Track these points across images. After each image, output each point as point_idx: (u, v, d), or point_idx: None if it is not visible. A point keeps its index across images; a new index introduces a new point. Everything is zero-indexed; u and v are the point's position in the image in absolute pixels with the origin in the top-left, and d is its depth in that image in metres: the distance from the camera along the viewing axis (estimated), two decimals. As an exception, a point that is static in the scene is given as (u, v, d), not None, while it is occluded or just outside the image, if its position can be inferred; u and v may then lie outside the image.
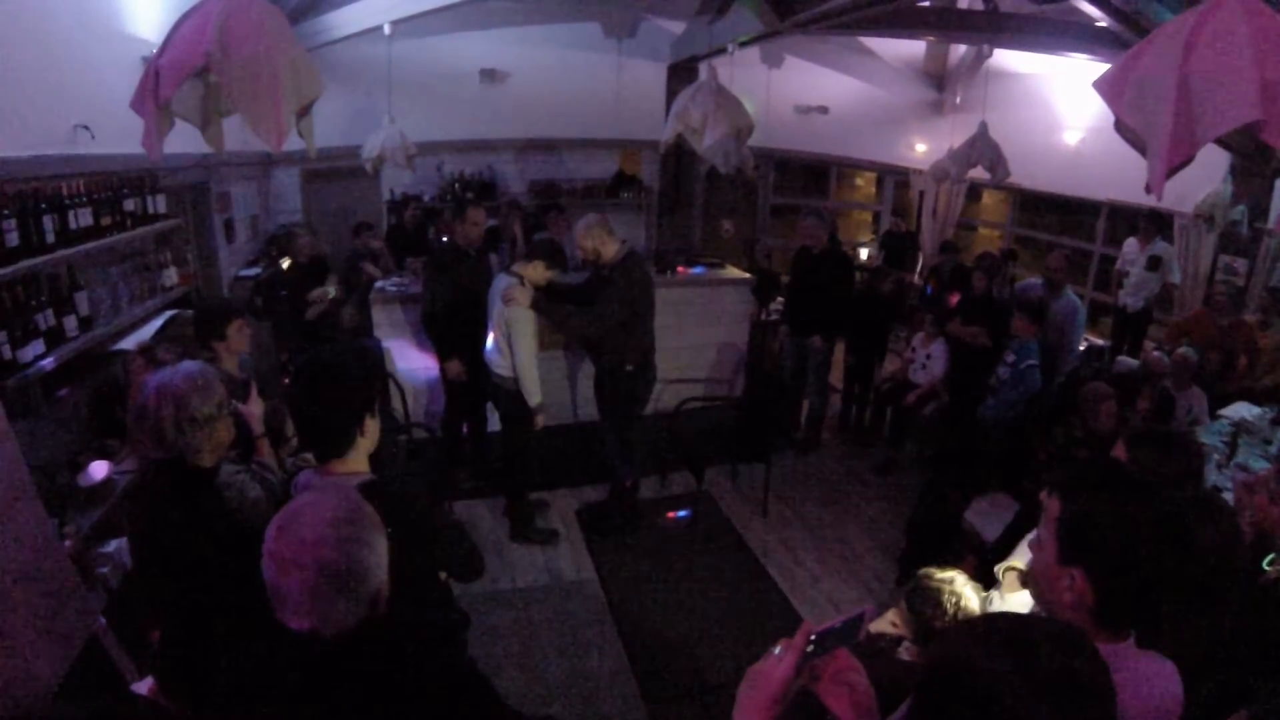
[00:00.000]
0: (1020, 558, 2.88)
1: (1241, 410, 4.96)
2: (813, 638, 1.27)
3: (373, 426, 2.18)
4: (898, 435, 6.50)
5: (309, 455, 2.30)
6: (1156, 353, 5.57)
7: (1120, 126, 2.35)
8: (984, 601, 2.56)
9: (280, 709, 1.55)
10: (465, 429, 5.83)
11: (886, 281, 7.02)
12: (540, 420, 4.82)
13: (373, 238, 7.40)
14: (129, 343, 4.32)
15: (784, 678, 1.24)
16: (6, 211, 3.36)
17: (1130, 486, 1.44)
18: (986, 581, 2.80)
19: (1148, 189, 2.12)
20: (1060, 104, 8.35)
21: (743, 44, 6.95)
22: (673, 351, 6.44)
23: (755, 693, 1.26)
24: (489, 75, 8.92)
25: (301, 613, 1.50)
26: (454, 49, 8.53)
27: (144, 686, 2.30)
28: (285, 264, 6.46)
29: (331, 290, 6.04)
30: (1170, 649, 1.53)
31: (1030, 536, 2.93)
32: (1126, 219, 7.79)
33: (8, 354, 3.25)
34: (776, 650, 1.28)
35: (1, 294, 3.32)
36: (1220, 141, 2.18)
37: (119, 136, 3.97)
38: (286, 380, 3.10)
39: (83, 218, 4.00)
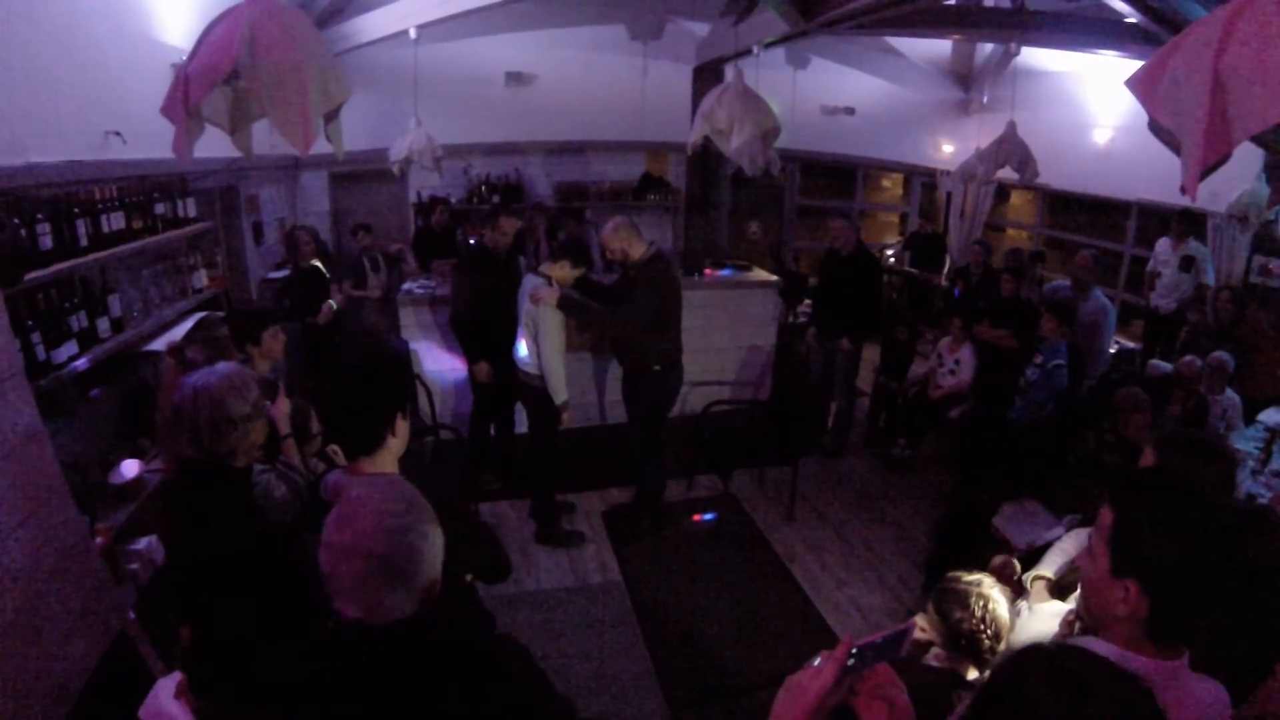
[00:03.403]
0: (1049, 566, 2.85)
1: (1277, 415, 4.87)
2: (853, 651, 1.25)
3: (403, 427, 2.19)
4: (917, 435, 6.44)
5: (336, 447, 2.32)
6: (1189, 357, 5.46)
7: (1154, 125, 2.31)
8: (1013, 610, 2.53)
9: (334, 699, 1.56)
10: (492, 431, 5.85)
11: (899, 330, 6.93)
12: (567, 418, 4.83)
13: (392, 239, 7.47)
14: (160, 344, 4.39)
15: (822, 690, 1.22)
16: (41, 215, 3.43)
17: (1184, 495, 1.40)
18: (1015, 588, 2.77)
19: (1183, 190, 2.08)
20: (1090, 102, 8.24)
21: (768, 45, 6.93)
22: (700, 354, 6.43)
23: (792, 703, 1.24)
24: (515, 78, 8.95)
25: (354, 601, 1.51)
26: (479, 52, 8.57)
27: (172, 681, 2.32)
28: (288, 271, 6.55)
29: (334, 304, 6.11)
30: (1210, 663, 1.49)
31: (1059, 544, 2.91)
32: (1158, 219, 7.67)
33: (42, 354, 3.31)
34: (816, 662, 1.26)
35: (36, 296, 3.38)
36: (1255, 140, 2.14)
37: (150, 142, 4.03)
38: (313, 380, 3.13)
39: (115, 221, 4.08)
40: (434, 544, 1.61)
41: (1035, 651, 1.18)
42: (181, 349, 3.86)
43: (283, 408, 2.96)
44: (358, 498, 1.59)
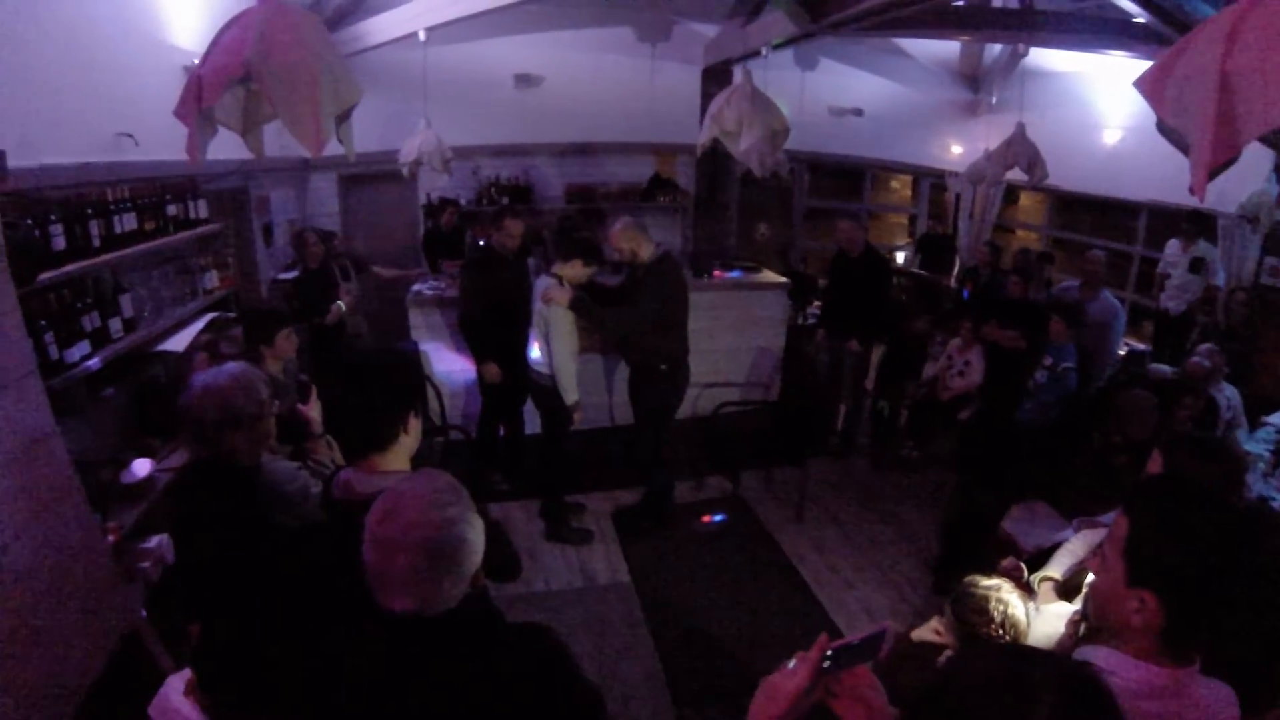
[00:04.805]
0: (1056, 567, 2.84)
1: (1288, 417, 4.85)
2: (829, 653, 1.25)
3: (415, 425, 2.19)
4: (925, 437, 6.42)
5: (330, 439, 2.31)
6: (1196, 359, 5.44)
7: (1162, 126, 2.30)
8: (1028, 611, 2.52)
9: (385, 690, 1.58)
10: (501, 431, 5.87)
11: (919, 320, 6.89)
12: (578, 417, 4.86)
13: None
14: (172, 344, 4.41)
15: (796, 690, 1.23)
16: (53, 216, 3.46)
17: (1201, 504, 1.38)
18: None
19: (1191, 190, 2.08)
20: (1098, 102, 8.22)
21: (776, 47, 6.93)
22: (709, 355, 6.43)
23: (767, 704, 1.25)
24: (524, 80, 8.96)
25: (407, 594, 1.52)
26: (488, 54, 8.59)
27: (181, 678, 2.34)
28: (297, 273, 6.55)
29: (342, 305, 6.13)
30: (1212, 663, 1.48)
31: (1067, 545, 2.91)
32: (1166, 220, 7.64)
33: (54, 354, 3.33)
34: (791, 663, 1.26)
35: (48, 296, 3.41)
36: (1264, 139, 2.14)
37: (161, 144, 4.05)
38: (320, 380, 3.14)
39: (127, 222, 4.11)
40: (479, 531, 1.64)
41: (974, 658, 1.16)
42: (215, 342, 3.89)
43: (314, 409, 2.98)
44: (402, 491, 1.60)
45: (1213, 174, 2.02)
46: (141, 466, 3.74)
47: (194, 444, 2.38)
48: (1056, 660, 1.11)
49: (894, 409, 6.87)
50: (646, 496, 5.44)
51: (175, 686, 2.33)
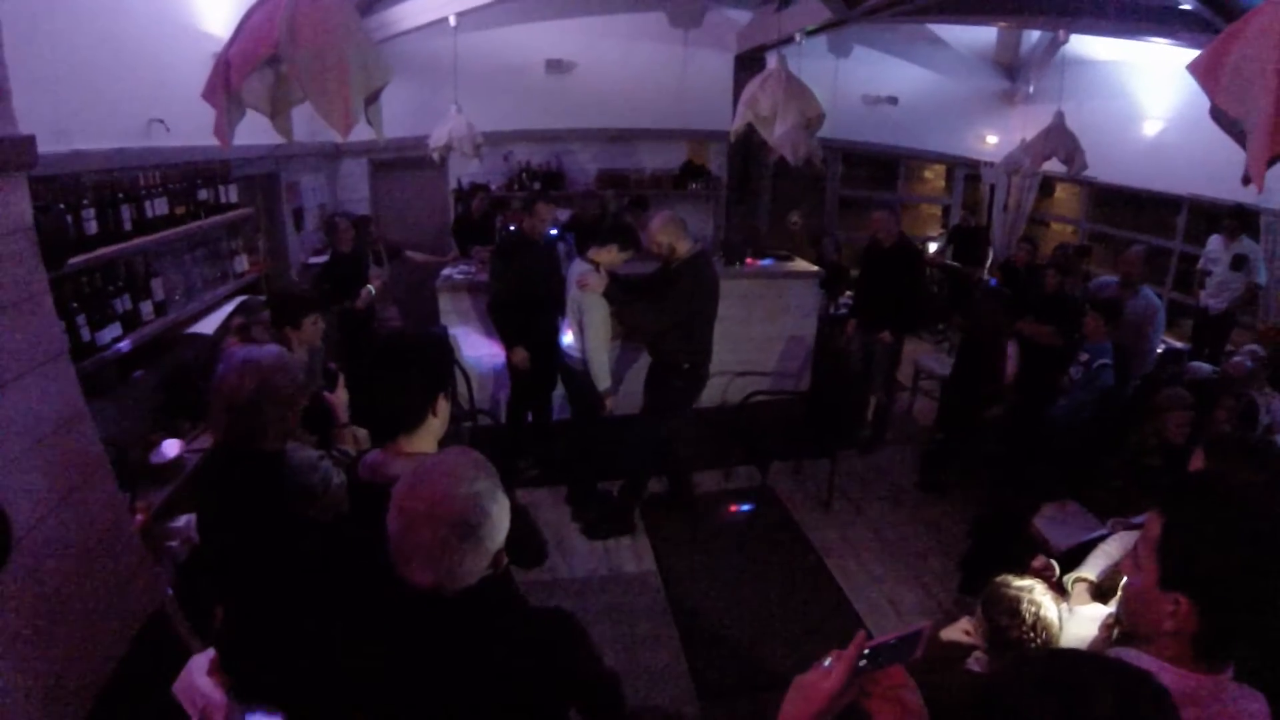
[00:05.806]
0: (1091, 569, 2.78)
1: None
2: (865, 651, 1.23)
3: (444, 407, 2.19)
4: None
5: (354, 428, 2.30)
6: (1238, 358, 5.29)
7: (1216, 112, 2.22)
8: (1060, 614, 2.47)
9: (402, 668, 1.58)
10: (530, 417, 5.88)
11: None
12: (609, 404, 4.85)
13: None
14: (202, 327, 4.45)
15: (832, 690, 1.20)
16: (86, 201, 3.49)
17: (1240, 505, 1.32)
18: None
19: (1245, 180, 2.00)
20: (1140, 92, 8.01)
21: (810, 33, 6.84)
22: (740, 343, 6.39)
23: (801, 703, 1.22)
24: (555, 66, 8.94)
25: (429, 568, 1.51)
26: (519, 40, 8.58)
27: (205, 658, 2.35)
28: (328, 256, 6.59)
29: (372, 289, 6.15)
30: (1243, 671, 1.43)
31: (1102, 546, 2.84)
32: (1207, 215, 7.45)
33: (86, 336, 3.37)
34: (826, 661, 1.24)
35: (81, 279, 3.44)
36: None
37: (193, 130, 4.08)
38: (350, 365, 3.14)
39: (158, 207, 4.15)
40: (504, 507, 1.63)
41: (1026, 662, 1.13)
42: (247, 325, 3.91)
43: (341, 397, 2.98)
44: (429, 465, 1.60)
45: (1271, 162, 1.94)
46: (171, 447, 3.77)
47: (221, 418, 2.36)
48: (1111, 662, 1.08)
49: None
50: (670, 486, 5.43)
51: (199, 666, 2.34)
